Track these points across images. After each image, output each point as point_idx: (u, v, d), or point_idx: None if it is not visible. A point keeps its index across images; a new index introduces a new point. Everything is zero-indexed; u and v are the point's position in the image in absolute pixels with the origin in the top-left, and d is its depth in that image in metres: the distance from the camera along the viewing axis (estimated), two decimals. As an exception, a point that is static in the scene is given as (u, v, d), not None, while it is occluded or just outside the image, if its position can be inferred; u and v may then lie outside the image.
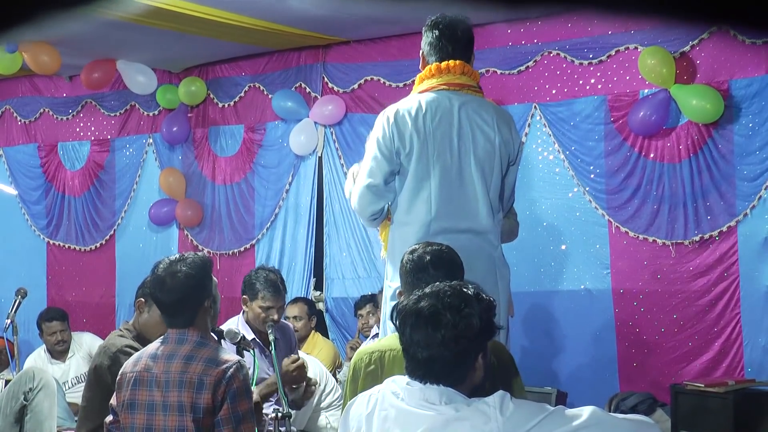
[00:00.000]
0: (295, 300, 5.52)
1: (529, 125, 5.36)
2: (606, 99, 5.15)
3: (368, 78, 5.91)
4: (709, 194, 4.87)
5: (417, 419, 2.08)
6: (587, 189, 5.19)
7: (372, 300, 5.41)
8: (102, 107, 6.92)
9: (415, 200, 3.31)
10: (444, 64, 3.34)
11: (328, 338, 5.79)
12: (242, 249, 6.35)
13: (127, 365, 2.96)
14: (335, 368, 5.29)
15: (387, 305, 3.34)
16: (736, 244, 4.80)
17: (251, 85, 6.35)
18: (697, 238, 4.90)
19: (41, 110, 7.13)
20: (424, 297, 2.14)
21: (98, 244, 6.90)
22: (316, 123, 6.05)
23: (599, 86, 5.18)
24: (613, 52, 5.13)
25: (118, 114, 6.87)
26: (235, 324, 3.96)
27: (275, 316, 3.96)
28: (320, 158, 6.09)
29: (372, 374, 2.74)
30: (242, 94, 6.39)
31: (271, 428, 3.16)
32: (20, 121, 7.22)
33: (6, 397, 4.15)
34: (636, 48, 5.04)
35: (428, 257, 2.80)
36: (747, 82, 4.77)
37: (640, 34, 5.03)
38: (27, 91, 7.17)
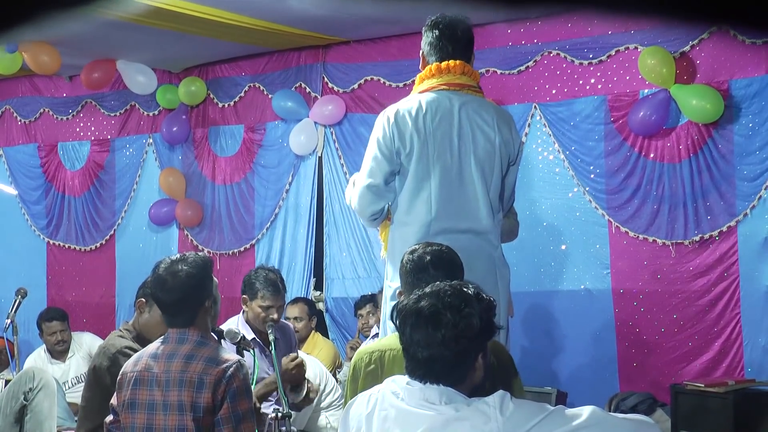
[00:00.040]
0: (295, 300, 5.51)
1: (529, 125, 5.36)
2: (606, 99, 5.15)
3: (368, 78, 5.90)
4: (709, 194, 4.87)
5: (417, 419, 2.08)
6: (587, 189, 5.19)
7: (372, 300, 5.41)
8: (102, 107, 6.92)
9: (416, 200, 3.31)
10: (444, 64, 3.33)
11: (328, 338, 5.79)
12: (242, 249, 6.35)
13: (128, 365, 2.96)
14: (335, 368, 5.29)
15: (387, 305, 3.34)
16: (736, 244, 4.80)
17: (251, 85, 6.35)
18: (697, 238, 4.90)
19: (41, 110, 7.13)
20: (425, 297, 2.14)
21: (98, 244, 6.90)
22: (316, 123, 6.04)
23: (599, 86, 5.18)
24: (613, 52, 5.13)
25: (118, 114, 6.87)
26: (235, 324, 3.95)
27: (275, 316, 3.96)
28: (320, 158, 6.09)
29: (372, 374, 2.74)
30: (242, 94, 6.39)
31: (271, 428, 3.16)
32: (20, 121, 7.22)
33: (6, 397, 4.15)
34: (636, 48, 5.04)
35: (428, 257, 2.80)
36: (747, 82, 4.77)
37: (640, 34, 5.03)
38: (27, 91, 7.17)
